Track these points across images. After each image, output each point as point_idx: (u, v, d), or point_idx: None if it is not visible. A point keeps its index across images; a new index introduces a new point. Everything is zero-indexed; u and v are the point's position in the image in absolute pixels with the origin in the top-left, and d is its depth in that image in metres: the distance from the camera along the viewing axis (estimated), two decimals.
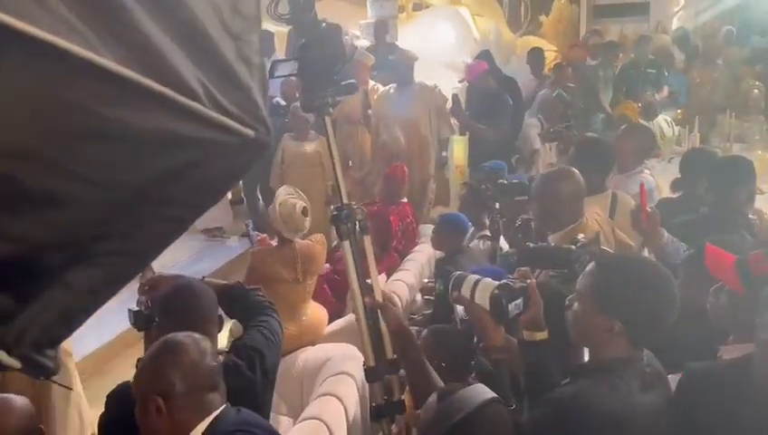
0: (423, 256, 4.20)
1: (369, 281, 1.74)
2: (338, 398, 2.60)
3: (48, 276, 0.91)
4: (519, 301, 1.60)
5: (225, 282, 2.28)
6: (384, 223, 4.13)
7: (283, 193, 3.58)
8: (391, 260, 4.13)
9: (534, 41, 9.84)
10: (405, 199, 4.46)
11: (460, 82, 5.53)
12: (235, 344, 1.97)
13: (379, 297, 1.61)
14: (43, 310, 0.92)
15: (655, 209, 2.58)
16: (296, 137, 5.41)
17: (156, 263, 2.42)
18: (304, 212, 3.46)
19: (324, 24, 1.63)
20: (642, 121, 6.04)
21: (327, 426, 2.39)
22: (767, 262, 1.72)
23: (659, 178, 4.81)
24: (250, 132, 0.92)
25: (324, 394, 2.65)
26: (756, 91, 5.95)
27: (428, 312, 3.59)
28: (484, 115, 5.18)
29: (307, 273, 3.34)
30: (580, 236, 2.13)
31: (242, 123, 0.91)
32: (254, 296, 2.08)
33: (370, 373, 1.78)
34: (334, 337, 3.34)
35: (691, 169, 3.32)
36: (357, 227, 1.55)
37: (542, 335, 1.63)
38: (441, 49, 8.81)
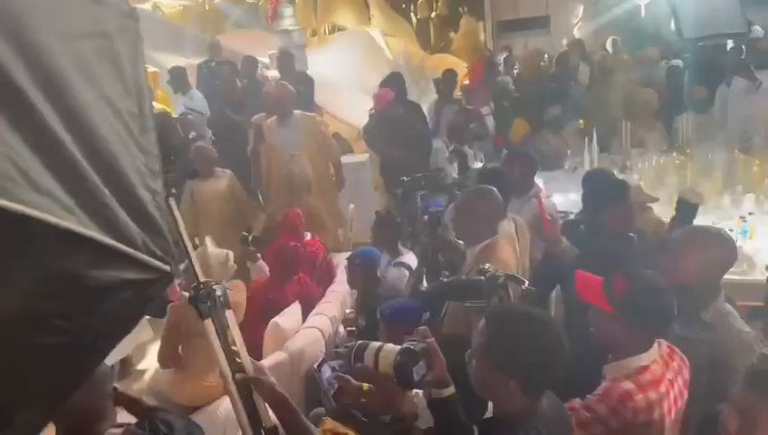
0: (344, 286, 4.23)
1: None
2: None
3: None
4: (422, 362, 1.61)
5: (137, 398, 2.24)
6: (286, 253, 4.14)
7: (209, 243, 3.56)
8: (301, 286, 4.14)
9: (445, 58, 10.13)
10: (309, 236, 4.46)
11: (370, 110, 5.61)
12: (147, 415, 1.96)
13: (249, 369, 1.60)
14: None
15: (555, 217, 2.80)
16: (201, 177, 5.30)
17: None
18: (234, 260, 3.46)
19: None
20: (550, 134, 6.34)
21: None
22: (626, 282, 1.87)
23: (564, 186, 5.06)
24: (166, 267, 1.22)
25: None
26: (652, 98, 6.29)
27: (351, 344, 3.61)
28: (397, 141, 5.30)
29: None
30: (488, 265, 2.23)
31: (162, 261, 1.21)
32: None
33: None
34: None
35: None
36: (217, 303, 1.55)
37: (449, 391, 1.66)
38: (354, 71, 8.92)
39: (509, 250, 2.69)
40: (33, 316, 1.01)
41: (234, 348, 1.60)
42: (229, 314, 1.57)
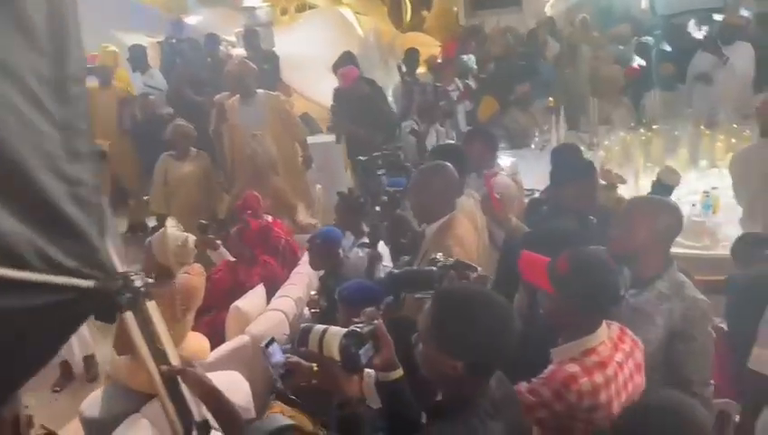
0: (309, 268, 4.17)
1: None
2: None
3: None
4: (368, 345, 1.57)
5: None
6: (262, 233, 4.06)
7: (170, 224, 3.46)
8: (266, 269, 4.06)
9: (418, 37, 9.99)
10: (270, 218, 4.38)
11: (336, 90, 5.52)
12: None
13: (175, 362, 1.53)
14: None
15: (506, 195, 2.75)
16: (177, 156, 5.16)
17: None
18: (195, 244, 3.37)
19: None
20: (518, 112, 6.31)
21: None
22: (569, 262, 1.83)
23: (532, 165, 5.03)
24: (89, 283, 0.95)
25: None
26: (617, 74, 6.26)
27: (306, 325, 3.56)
28: (364, 120, 5.23)
29: (187, 310, 3.18)
30: (439, 255, 2.16)
31: (80, 276, 0.93)
32: None
33: None
34: (217, 366, 3.25)
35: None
36: (138, 294, 1.45)
37: (396, 374, 1.62)
38: (324, 50, 8.77)
39: (467, 226, 2.65)
40: None
41: (159, 347, 1.51)
42: (151, 305, 1.47)
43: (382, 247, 3.76)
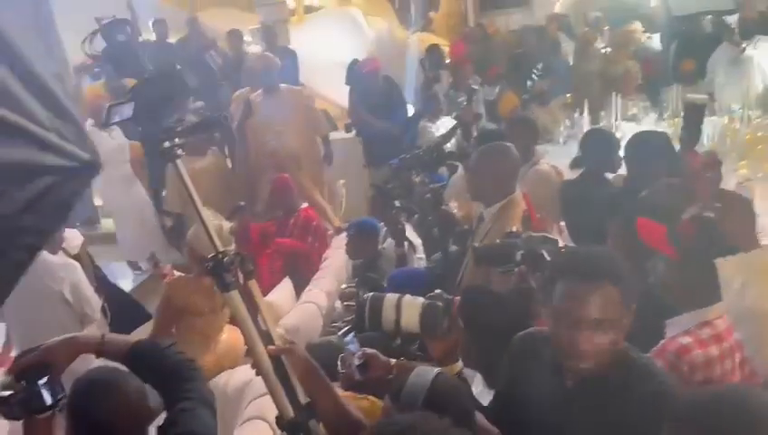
0: (338, 260, 4.14)
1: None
2: (264, 420, 2.49)
3: None
4: (445, 319, 1.53)
5: (129, 339, 1.73)
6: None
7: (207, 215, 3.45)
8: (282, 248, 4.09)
9: (426, 37, 10.00)
10: (305, 204, 4.37)
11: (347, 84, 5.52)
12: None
13: (278, 342, 1.46)
14: None
15: (544, 215, 2.67)
16: (189, 153, 5.12)
17: None
18: (231, 232, 3.33)
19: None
20: (537, 109, 6.29)
21: None
22: (691, 225, 1.78)
23: (557, 160, 5.01)
24: (86, 156, 1.14)
25: (251, 418, 2.54)
26: (634, 70, 6.26)
27: (350, 318, 3.52)
28: (382, 112, 5.21)
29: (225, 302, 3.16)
30: (514, 228, 2.11)
31: (80, 148, 1.13)
32: (171, 356, 1.58)
33: (293, 426, 1.47)
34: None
35: (591, 147, 3.45)
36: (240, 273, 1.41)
37: (457, 367, 1.58)
38: (334, 50, 8.77)
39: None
40: None
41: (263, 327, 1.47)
42: (252, 284, 1.43)
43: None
